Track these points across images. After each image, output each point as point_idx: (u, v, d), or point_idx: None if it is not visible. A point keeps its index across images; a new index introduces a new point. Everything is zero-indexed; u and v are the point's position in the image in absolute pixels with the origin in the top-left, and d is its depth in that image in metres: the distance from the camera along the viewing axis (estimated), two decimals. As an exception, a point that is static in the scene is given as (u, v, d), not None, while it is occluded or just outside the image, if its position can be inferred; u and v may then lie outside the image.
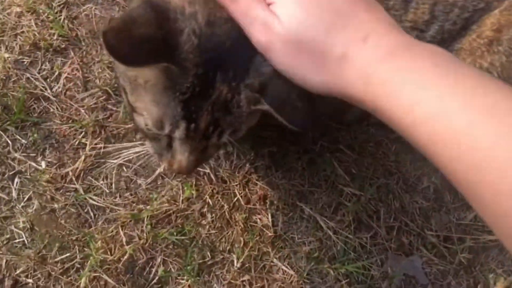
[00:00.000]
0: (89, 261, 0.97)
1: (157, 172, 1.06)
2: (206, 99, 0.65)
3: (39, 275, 0.97)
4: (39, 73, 1.11)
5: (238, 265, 1.00)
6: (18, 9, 1.14)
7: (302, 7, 0.51)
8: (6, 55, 1.10)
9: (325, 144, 1.07)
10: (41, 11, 1.14)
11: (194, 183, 1.06)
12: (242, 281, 1.00)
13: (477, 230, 1.05)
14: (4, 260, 0.98)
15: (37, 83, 1.10)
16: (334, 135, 1.09)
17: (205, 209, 1.04)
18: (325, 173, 1.07)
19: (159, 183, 1.06)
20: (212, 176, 1.06)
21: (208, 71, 0.63)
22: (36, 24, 1.14)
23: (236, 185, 1.05)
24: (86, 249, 0.99)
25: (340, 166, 1.07)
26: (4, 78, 1.09)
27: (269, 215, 1.04)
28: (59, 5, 1.15)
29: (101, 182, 1.05)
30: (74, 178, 1.04)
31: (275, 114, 0.63)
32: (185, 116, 0.65)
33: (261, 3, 0.54)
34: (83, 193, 1.03)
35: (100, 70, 1.11)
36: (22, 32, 1.13)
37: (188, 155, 0.71)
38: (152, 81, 0.65)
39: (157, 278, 0.99)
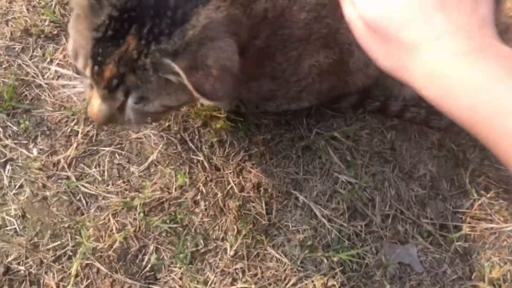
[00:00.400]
0: (81, 249, 0.97)
1: (150, 159, 1.05)
2: (115, 47, 0.63)
3: (30, 263, 0.96)
4: (30, 59, 1.09)
5: (232, 253, 0.99)
6: (10, -5, 1.13)
7: None
8: (-3, 41, 1.08)
9: (320, 131, 1.06)
10: (32, -4, 1.12)
11: (187, 170, 1.04)
12: (235, 269, 0.99)
13: (474, 218, 1.03)
14: (-4, 248, 0.98)
15: (28, 69, 1.08)
16: (329, 122, 1.07)
17: (198, 197, 1.03)
18: (320, 160, 1.05)
19: (152, 170, 1.05)
20: (205, 163, 1.05)
21: (124, 18, 0.62)
22: (27, 10, 1.12)
23: (230, 172, 1.04)
24: (78, 236, 0.98)
25: (335, 153, 1.06)
26: (-5, 64, 1.07)
27: (263, 203, 1.02)
28: (50, -9, 1.13)
29: (94, 169, 1.04)
30: (66, 166, 1.03)
31: (186, 80, 0.61)
32: (93, 56, 0.64)
33: None
34: (75, 181, 1.02)
35: (92, 57, 1.10)
36: (14, 18, 1.12)
37: (100, 103, 0.70)
38: (77, 9, 0.64)
39: (149, 265, 0.98)
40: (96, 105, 0.71)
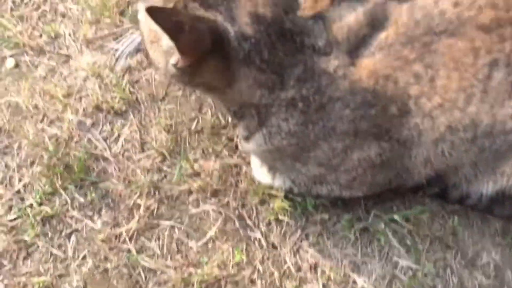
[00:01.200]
0: (139, 325, 0.97)
1: (208, 235, 1.06)
2: None
3: (88, 337, 0.97)
4: (100, 134, 1.15)
5: (288, 337, 0.97)
6: (84, 73, 1.21)
7: None
8: (71, 117, 1.15)
9: (379, 214, 1.05)
10: (105, 75, 1.20)
11: (244, 248, 1.05)
12: None
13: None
14: (56, 319, 0.99)
15: (97, 143, 1.14)
16: (388, 204, 1.07)
17: (255, 276, 1.03)
18: (378, 243, 1.04)
19: (209, 246, 1.06)
20: (263, 241, 1.05)
21: None
22: (99, 87, 1.20)
23: (287, 252, 1.04)
24: (136, 312, 0.99)
25: (395, 237, 1.04)
26: (67, 138, 1.14)
27: (320, 285, 1.01)
28: (122, 70, 1.21)
29: (153, 243, 1.06)
30: (127, 238, 1.05)
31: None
32: None
33: None
34: (135, 254, 1.04)
35: (157, 133, 1.15)
36: (87, 94, 1.19)
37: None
38: None
39: None
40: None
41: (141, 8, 0.83)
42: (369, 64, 0.82)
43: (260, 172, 1.06)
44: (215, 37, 0.74)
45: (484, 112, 0.82)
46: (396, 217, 1.04)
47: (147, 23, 0.80)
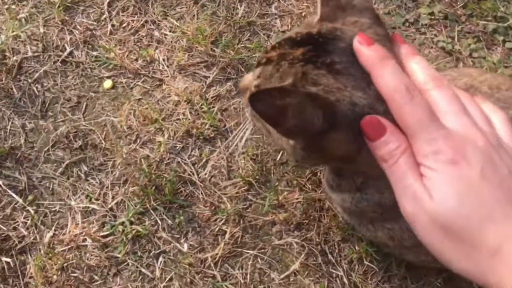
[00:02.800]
0: None
1: (291, 268, 1.08)
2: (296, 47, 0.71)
3: None
4: (188, 158, 1.19)
5: None
6: (176, 98, 1.26)
7: (458, 193, 0.47)
8: (162, 139, 1.20)
9: (466, 262, 1.05)
10: (196, 101, 1.25)
11: (326, 284, 1.06)
12: None
13: None
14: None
15: (186, 167, 1.18)
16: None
17: (336, 313, 1.03)
18: (464, 292, 1.03)
19: (291, 279, 1.07)
20: (344, 279, 1.06)
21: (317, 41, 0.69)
22: (190, 113, 1.24)
23: (369, 292, 1.04)
24: (219, 338, 1.01)
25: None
26: (159, 160, 1.18)
27: (403, 329, 1.01)
28: (212, 97, 1.26)
29: (237, 271, 1.08)
30: (212, 264, 1.08)
31: None
32: (286, 40, 0.71)
33: (415, 172, 0.51)
34: (220, 281, 1.06)
35: (243, 161, 1.18)
36: (178, 119, 1.24)
37: (251, 77, 0.79)
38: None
39: None
40: (247, 78, 0.81)
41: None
42: None
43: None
44: (331, 115, 0.61)
45: None
46: (484, 267, 1.03)
47: None
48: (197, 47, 1.31)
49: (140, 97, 1.26)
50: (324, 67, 0.62)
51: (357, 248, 1.08)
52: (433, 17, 1.41)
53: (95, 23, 1.36)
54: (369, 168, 0.67)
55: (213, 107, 1.24)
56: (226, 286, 1.06)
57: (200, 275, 1.07)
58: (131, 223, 1.11)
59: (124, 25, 1.36)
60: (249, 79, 0.81)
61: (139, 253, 1.09)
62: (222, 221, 1.12)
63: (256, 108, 0.60)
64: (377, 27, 0.68)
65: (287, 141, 0.74)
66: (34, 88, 1.27)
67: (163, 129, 1.22)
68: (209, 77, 1.28)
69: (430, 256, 0.88)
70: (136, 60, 1.31)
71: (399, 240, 0.89)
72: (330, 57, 0.62)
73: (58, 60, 1.30)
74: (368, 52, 0.58)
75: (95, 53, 1.31)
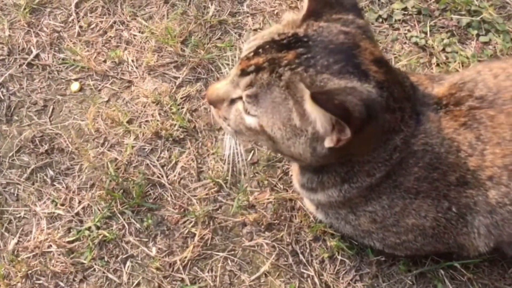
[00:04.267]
0: None
1: (262, 270, 1.06)
2: (277, 51, 0.77)
3: None
4: (157, 160, 1.17)
5: None
6: (145, 100, 1.24)
7: None
8: (131, 142, 1.18)
9: (438, 259, 1.03)
10: (165, 102, 1.23)
11: (297, 285, 1.04)
12: None
13: None
14: None
15: (155, 169, 1.16)
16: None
17: (307, 315, 1.01)
18: (436, 290, 1.02)
19: (262, 281, 1.06)
20: (316, 279, 1.04)
21: (301, 39, 0.76)
22: (159, 114, 1.22)
23: (341, 292, 1.03)
24: None
25: (452, 284, 1.02)
26: (127, 163, 1.16)
27: (374, 329, 0.99)
28: (182, 98, 1.24)
29: (206, 274, 1.06)
30: (181, 268, 1.06)
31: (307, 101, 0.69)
32: (259, 46, 0.76)
33: None
34: (189, 284, 1.04)
35: (213, 162, 1.16)
36: (146, 121, 1.22)
37: (223, 84, 0.81)
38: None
39: None
40: (219, 84, 0.80)
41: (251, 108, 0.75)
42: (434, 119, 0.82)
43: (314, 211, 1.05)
44: (366, 104, 0.66)
45: None
46: (456, 264, 1.02)
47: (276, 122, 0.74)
48: (166, 47, 1.29)
49: (108, 99, 1.24)
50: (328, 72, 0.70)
51: (329, 244, 1.06)
52: (406, 12, 1.39)
53: (62, 24, 1.33)
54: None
55: (183, 108, 1.22)
56: (195, 289, 1.04)
57: (168, 279, 1.05)
58: (98, 228, 1.09)
59: (92, 26, 1.34)
60: (224, 90, 0.79)
61: (106, 258, 1.07)
62: (192, 224, 1.10)
63: (324, 105, 0.65)
64: (359, 20, 0.75)
65: (310, 148, 0.74)
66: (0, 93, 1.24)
67: (131, 131, 1.19)
68: (178, 77, 1.26)
69: (411, 234, 0.87)
70: (105, 61, 1.29)
71: (382, 220, 0.88)
72: (326, 59, 0.71)
73: (24, 63, 1.28)
74: None
75: (62, 56, 1.29)
